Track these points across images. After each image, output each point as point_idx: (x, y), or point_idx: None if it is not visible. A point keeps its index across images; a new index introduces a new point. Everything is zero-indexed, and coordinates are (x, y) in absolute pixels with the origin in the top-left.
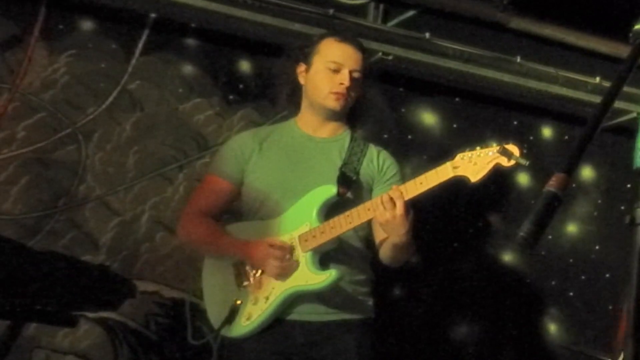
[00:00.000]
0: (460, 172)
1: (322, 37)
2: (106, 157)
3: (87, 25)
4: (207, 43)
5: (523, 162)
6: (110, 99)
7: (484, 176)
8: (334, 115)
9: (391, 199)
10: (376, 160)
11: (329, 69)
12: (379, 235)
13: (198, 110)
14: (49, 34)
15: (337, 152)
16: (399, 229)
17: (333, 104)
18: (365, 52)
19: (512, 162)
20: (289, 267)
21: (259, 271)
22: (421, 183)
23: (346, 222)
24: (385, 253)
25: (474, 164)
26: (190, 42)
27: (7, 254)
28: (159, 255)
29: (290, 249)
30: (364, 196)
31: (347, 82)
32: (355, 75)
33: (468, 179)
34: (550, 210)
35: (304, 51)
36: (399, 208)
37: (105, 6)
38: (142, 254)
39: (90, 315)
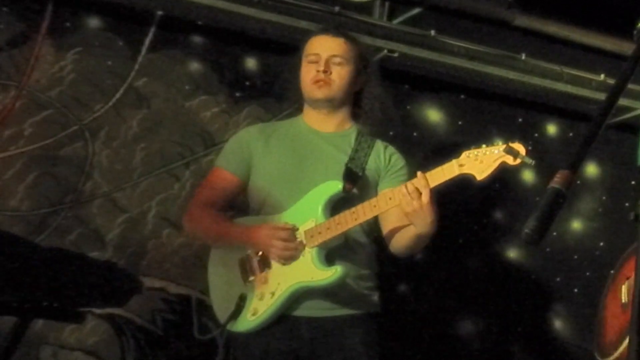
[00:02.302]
0: (466, 170)
1: (307, 38)
2: (113, 154)
3: (93, 22)
4: (214, 40)
5: (529, 161)
6: (117, 96)
7: (489, 175)
8: (329, 105)
9: (417, 188)
10: (383, 155)
11: (309, 63)
12: (387, 226)
13: (204, 107)
14: (56, 31)
15: (343, 147)
16: (426, 218)
17: (316, 92)
18: (349, 38)
19: (518, 161)
20: (293, 248)
21: (265, 266)
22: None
23: (352, 219)
24: (401, 243)
25: (480, 162)
26: (197, 39)
27: (14, 251)
28: (166, 252)
29: (294, 229)
30: (370, 192)
31: (322, 67)
32: (336, 60)
33: (474, 177)
34: (555, 207)
35: (298, 57)
36: (425, 196)
37: (112, 4)
38: (149, 251)
39: (97, 311)
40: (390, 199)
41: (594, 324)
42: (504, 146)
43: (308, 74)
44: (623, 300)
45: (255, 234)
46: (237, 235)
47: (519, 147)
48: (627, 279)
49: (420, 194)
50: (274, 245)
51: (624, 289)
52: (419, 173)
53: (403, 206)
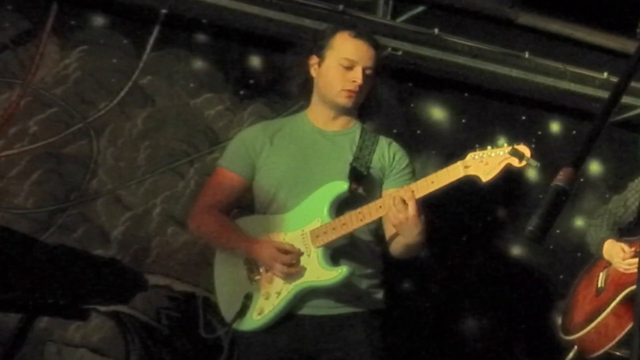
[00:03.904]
0: (471, 172)
1: (335, 30)
2: (117, 152)
3: (98, 20)
4: (218, 39)
5: (534, 163)
6: (122, 94)
7: (495, 176)
8: (344, 111)
9: (403, 199)
10: (387, 153)
11: (341, 66)
12: (389, 231)
13: (209, 105)
14: (61, 29)
15: (348, 145)
16: (412, 229)
17: (344, 101)
18: (378, 47)
19: (523, 163)
20: (294, 272)
21: None
22: (432, 182)
23: (357, 219)
24: (396, 249)
25: (485, 163)
26: (201, 37)
27: (19, 248)
28: (170, 249)
29: (299, 254)
30: (375, 190)
31: (359, 80)
32: (368, 72)
33: (479, 179)
34: (558, 205)
35: (316, 44)
36: (412, 208)
37: (117, 2)
38: (153, 248)
39: (102, 308)
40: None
41: (563, 306)
42: (509, 148)
43: (341, 79)
44: (599, 285)
45: (259, 250)
46: (241, 246)
47: (524, 150)
48: (605, 267)
49: (407, 205)
50: (275, 268)
51: (601, 275)
52: (405, 187)
53: (390, 218)
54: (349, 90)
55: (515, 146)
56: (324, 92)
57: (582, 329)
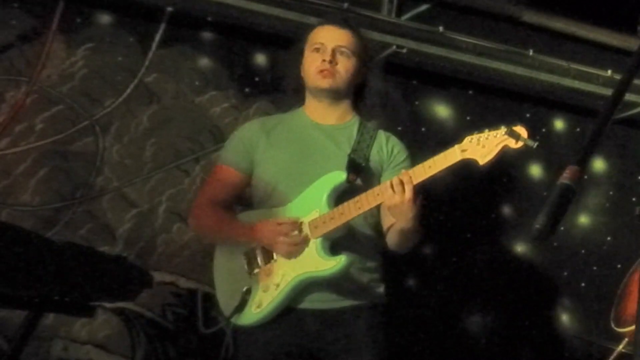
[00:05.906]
0: (468, 155)
1: (312, 28)
2: (123, 149)
3: (104, 18)
4: (223, 36)
5: (531, 143)
6: (128, 91)
7: (492, 159)
8: (332, 96)
9: (401, 182)
10: (385, 146)
11: (313, 51)
12: (386, 221)
13: (214, 102)
14: (67, 27)
15: (345, 138)
16: (407, 213)
17: (321, 82)
18: (352, 28)
19: (520, 143)
20: (298, 243)
21: (269, 258)
22: (430, 167)
23: (355, 208)
24: (391, 239)
25: (482, 146)
26: (207, 35)
27: (25, 245)
28: (176, 246)
29: (299, 225)
30: (373, 182)
31: (327, 57)
32: (342, 51)
33: (477, 162)
34: (564, 203)
35: (300, 47)
36: (408, 192)
37: (123, 0)
38: (159, 245)
39: (108, 305)
40: (377, 194)
41: (615, 294)
42: (506, 129)
43: (313, 63)
44: None
45: (259, 230)
46: (242, 234)
47: (521, 130)
48: None
49: (403, 189)
50: (278, 242)
51: None
52: (403, 170)
53: (385, 200)
54: (322, 70)
55: (512, 127)
56: (307, 82)
57: (634, 322)
